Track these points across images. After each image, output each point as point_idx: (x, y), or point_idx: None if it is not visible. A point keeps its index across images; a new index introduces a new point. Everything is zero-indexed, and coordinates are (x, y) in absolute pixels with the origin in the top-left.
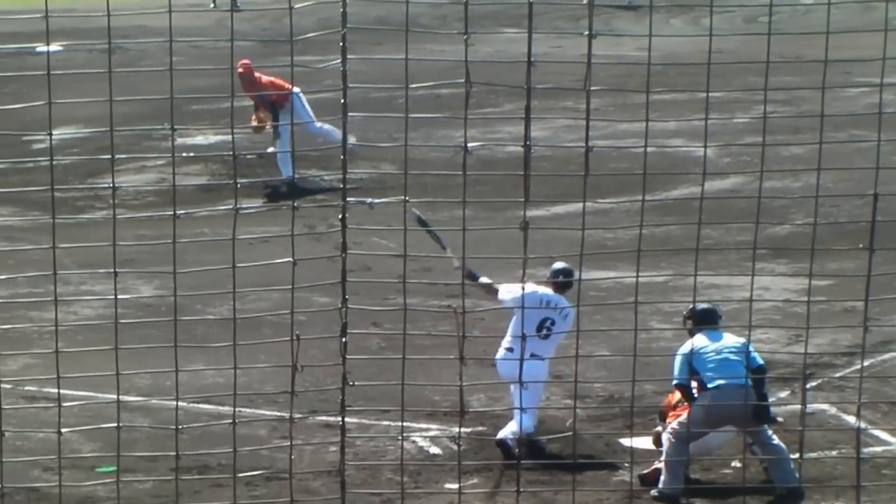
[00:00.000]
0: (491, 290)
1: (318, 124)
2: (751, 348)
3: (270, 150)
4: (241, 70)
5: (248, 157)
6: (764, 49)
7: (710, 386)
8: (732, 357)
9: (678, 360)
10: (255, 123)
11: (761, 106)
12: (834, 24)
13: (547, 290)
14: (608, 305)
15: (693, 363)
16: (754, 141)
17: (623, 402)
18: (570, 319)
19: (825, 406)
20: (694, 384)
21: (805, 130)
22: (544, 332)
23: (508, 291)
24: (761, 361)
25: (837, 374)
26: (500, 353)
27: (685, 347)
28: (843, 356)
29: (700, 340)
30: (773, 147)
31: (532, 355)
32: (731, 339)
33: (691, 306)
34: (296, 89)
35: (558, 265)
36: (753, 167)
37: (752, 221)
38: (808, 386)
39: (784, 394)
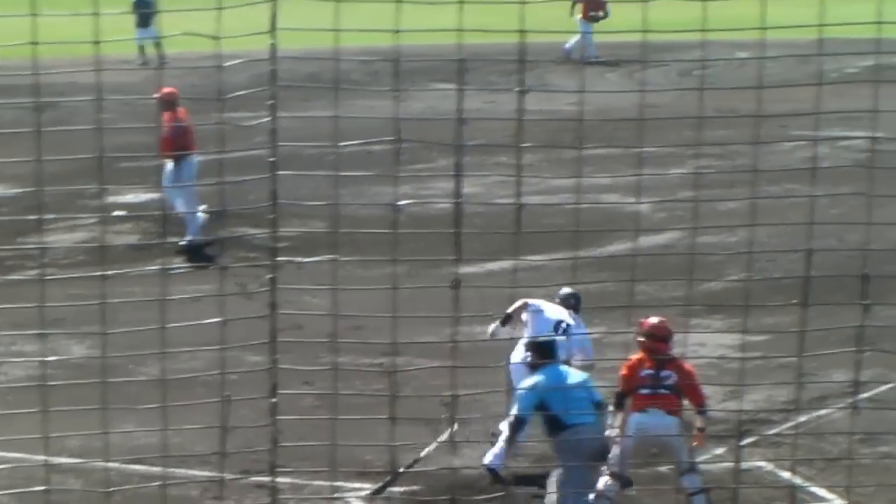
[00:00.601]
0: (519, 309)
1: (194, 199)
2: (591, 384)
3: (202, 208)
4: (168, 91)
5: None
6: (699, 103)
7: (568, 424)
8: (581, 394)
9: (523, 395)
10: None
11: (696, 160)
12: (769, 76)
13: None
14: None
15: (543, 400)
16: (689, 195)
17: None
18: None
19: (761, 463)
20: None
21: (740, 185)
22: (560, 331)
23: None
24: (600, 397)
25: (774, 431)
26: (516, 357)
27: (530, 382)
28: (780, 412)
29: (546, 376)
30: (708, 202)
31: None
32: (575, 375)
33: (532, 339)
34: (195, 158)
35: (566, 290)
36: (688, 222)
37: (687, 277)
38: (744, 442)
39: (720, 450)
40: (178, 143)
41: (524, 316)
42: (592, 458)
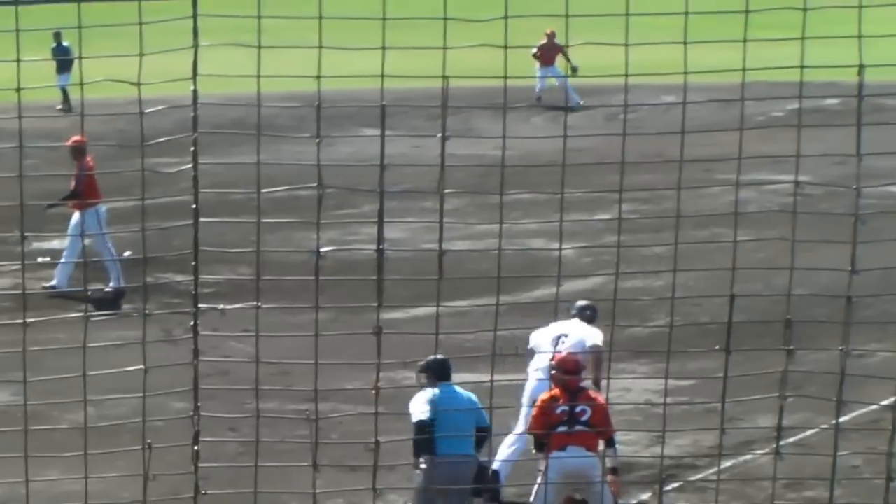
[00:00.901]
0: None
1: (110, 246)
2: (478, 406)
3: (127, 254)
4: (77, 139)
5: (104, 261)
6: (625, 147)
7: (438, 452)
8: (466, 420)
9: (421, 404)
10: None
11: (622, 205)
12: (695, 120)
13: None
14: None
15: (431, 415)
16: (615, 240)
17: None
18: (588, 335)
19: None
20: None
21: (666, 229)
22: (559, 344)
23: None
24: (486, 422)
25: (699, 476)
26: (533, 382)
27: (426, 395)
28: (705, 457)
29: (440, 395)
30: (633, 247)
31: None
32: (464, 398)
33: (426, 360)
34: (103, 207)
35: (582, 302)
36: (614, 267)
37: (613, 323)
38: (669, 487)
39: (645, 496)
40: (84, 192)
41: (530, 346)
42: (450, 490)
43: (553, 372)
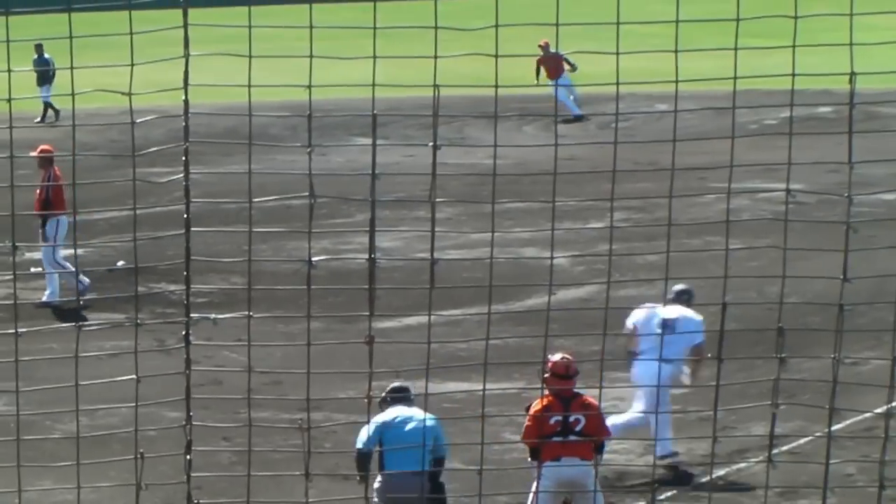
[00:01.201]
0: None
1: (61, 261)
2: (440, 433)
3: (120, 263)
4: (44, 148)
5: (97, 271)
6: (618, 156)
7: (386, 471)
8: (415, 443)
9: (369, 428)
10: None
11: (615, 213)
12: (688, 128)
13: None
14: (460, 418)
15: (382, 437)
16: (608, 249)
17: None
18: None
19: None
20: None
21: (659, 237)
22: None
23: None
24: (444, 453)
25: (692, 484)
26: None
27: (378, 418)
28: (699, 465)
29: (391, 414)
30: (627, 255)
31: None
32: (419, 420)
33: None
34: (66, 219)
35: (679, 286)
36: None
37: (606, 332)
38: (663, 496)
39: None
40: (48, 202)
41: (629, 326)
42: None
43: (546, 376)
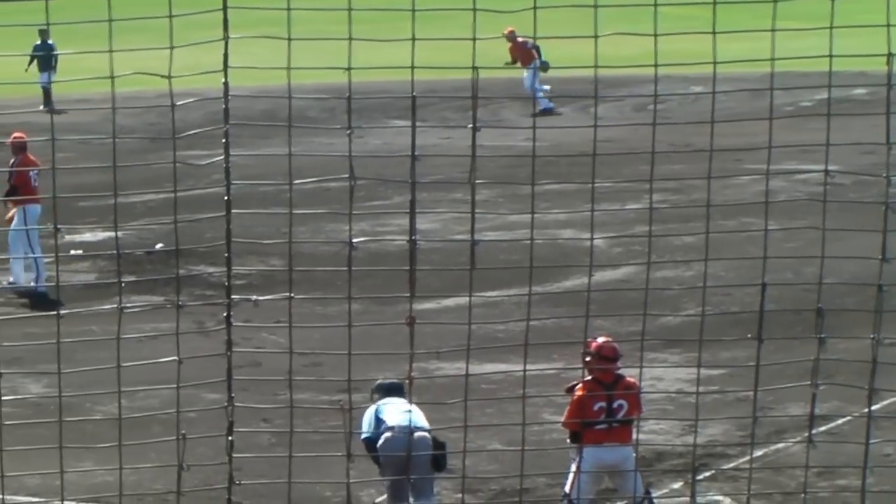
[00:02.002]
0: None
1: (35, 247)
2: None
3: (159, 246)
4: (16, 136)
5: (137, 253)
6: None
7: (380, 433)
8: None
9: (369, 417)
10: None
11: (652, 195)
12: (724, 111)
13: None
14: (500, 399)
15: (374, 427)
16: (645, 230)
17: (515, 496)
18: None
19: (718, 497)
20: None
21: (696, 219)
22: None
23: None
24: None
25: (730, 465)
26: None
27: (372, 408)
28: (737, 446)
29: (386, 400)
30: (664, 236)
31: None
32: (416, 413)
33: (378, 381)
34: (36, 207)
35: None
36: (645, 257)
37: (644, 312)
38: (701, 476)
39: (677, 485)
40: (19, 189)
41: None
42: (402, 466)
43: (589, 359)
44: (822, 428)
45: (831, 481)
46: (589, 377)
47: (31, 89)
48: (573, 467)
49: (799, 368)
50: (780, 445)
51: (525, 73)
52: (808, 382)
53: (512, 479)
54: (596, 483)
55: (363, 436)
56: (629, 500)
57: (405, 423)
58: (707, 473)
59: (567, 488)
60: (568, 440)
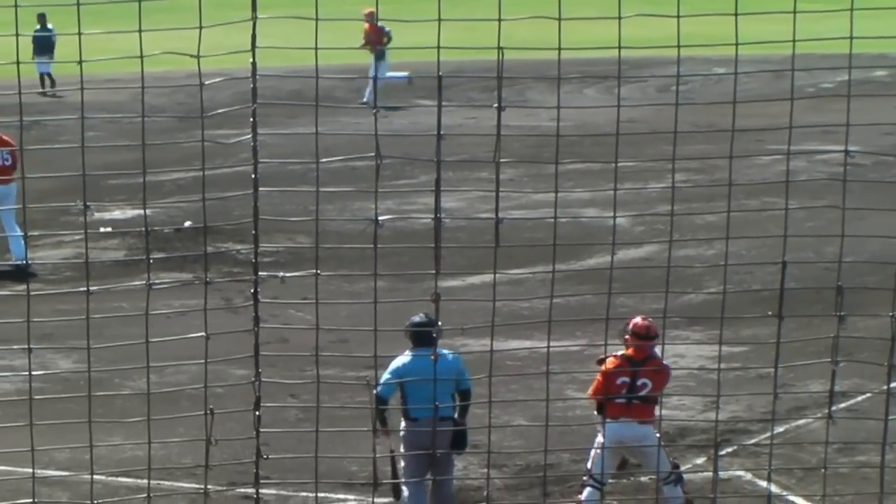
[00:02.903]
0: None
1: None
2: (462, 367)
3: (187, 224)
4: None
5: (165, 231)
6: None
7: (412, 416)
8: (440, 387)
9: (385, 376)
10: None
11: (675, 174)
12: (746, 92)
13: None
14: (524, 375)
15: (401, 385)
16: (668, 209)
17: (540, 471)
18: None
19: (740, 472)
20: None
21: (718, 198)
22: None
23: None
24: (468, 385)
25: (752, 441)
26: None
27: (394, 364)
28: (758, 422)
29: (410, 362)
30: (686, 215)
31: None
32: (443, 364)
33: (412, 318)
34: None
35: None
36: (667, 235)
37: (666, 290)
38: (723, 452)
39: (700, 460)
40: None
41: None
42: (430, 455)
43: (627, 337)
44: (843, 404)
45: (851, 457)
46: (620, 352)
47: (31, 71)
48: (598, 440)
49: (819, 346)
50: (800, 422)
51: (371, 59)
52: (829, 359)
53: (536, 454)
54: (615, 458)
55: (377, 389)
56: (655, 475)
57: (428, 402)
58: (729, 449)
59: (589, 464)
60: (595, 412)
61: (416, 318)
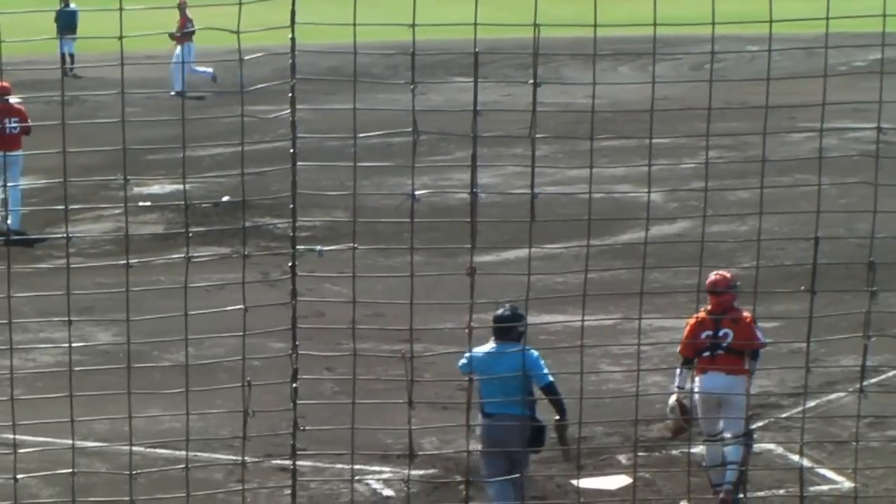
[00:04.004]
0: None
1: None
2: (536, 363)
3: (225, 198)
4: (3, 85)
5: (203, 205)
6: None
7: (486, 411)
8: (510, 382)
9: (461, 363)
10: None
11: (708, 151)
12: (778, 70)
13: None
14: (558, 349)
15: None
16: (701, 186)
17: (574, 444)
18: None
19: (772, 446)
20: None
21: (751, 175)
22: None
23: None
24: (547, 381)
25: (784, 415)
26: None
27: (476, 349)
28: (790, 396)
29: (483, 355)
30: (719, 192)
31: None
32: (510, 359)
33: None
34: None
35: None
36: (700, 211)
37: (699, 265)
38: (755, 426)
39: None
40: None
41: None
42: (502, 449)
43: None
44: (874, 380)
45: (882, 431)
46: (700, 311)
47: (53, 48)
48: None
49: (851, 321)
50: (832, 396)
51: (178, 49)
52: (860, 335)
53: (570, 427)
54: (707, 411)
55: (460, 362)
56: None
57: (503, 408)
58: (761, 423)
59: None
60: (677, 368)
61: (500, 312)
